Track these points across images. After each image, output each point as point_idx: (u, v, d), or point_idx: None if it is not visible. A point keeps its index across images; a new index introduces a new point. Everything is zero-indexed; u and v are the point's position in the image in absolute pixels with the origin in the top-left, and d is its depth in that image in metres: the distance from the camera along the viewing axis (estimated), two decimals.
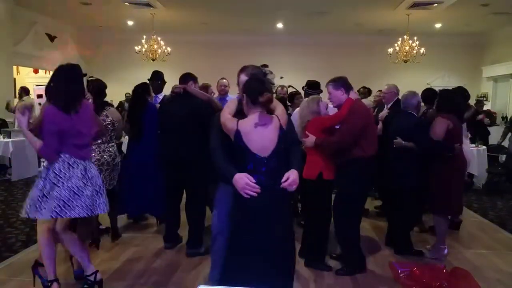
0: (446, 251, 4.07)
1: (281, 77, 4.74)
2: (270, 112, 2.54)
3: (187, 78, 4.03)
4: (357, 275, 3.65)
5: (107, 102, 4.13)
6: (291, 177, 2.41)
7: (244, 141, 2.39)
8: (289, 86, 4.46)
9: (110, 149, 4.00)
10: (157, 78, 5.23)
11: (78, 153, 2.87)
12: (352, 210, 3.66)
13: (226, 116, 2.50)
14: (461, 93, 4.76)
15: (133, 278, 3.54)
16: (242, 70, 2.73)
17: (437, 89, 5.27)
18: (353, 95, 3.66)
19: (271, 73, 2.70)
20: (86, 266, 3.09)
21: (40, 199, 2.78)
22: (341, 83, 3.66)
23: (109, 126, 3.95)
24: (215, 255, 2.95)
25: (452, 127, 3.86)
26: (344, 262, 3.77)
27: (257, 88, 2.44)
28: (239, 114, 2.54)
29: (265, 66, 2.69)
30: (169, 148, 3.99)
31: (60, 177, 2.79)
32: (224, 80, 5.56)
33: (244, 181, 2.35)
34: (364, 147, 3.55)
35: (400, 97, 4.62)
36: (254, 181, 2.36)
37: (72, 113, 2.82)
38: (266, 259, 2.41)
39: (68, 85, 2.84)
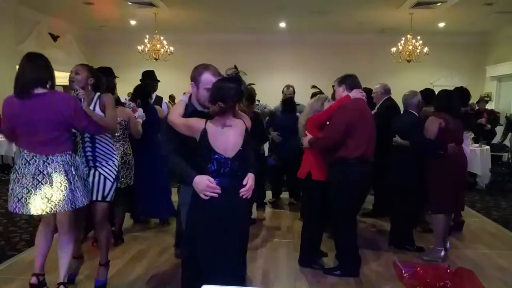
0: (442, 253, 3.99)
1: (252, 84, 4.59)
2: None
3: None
4: (359, 274, 3.65)
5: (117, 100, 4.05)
6: (248, 183, 2.42)
7: (210, 141, 2.36)
8: (313, 87, 4.49)
9: (120, 148, 4.01)
10: (149, 78, 5.18)
11: (36, 149, 2.76)
12: (341, 211, 3.59)
13: (180, 119, 2.46)
14: (458, 93, 4.75)
15: (137, 277, 3.54)
16: (207, 68, 2.58)
17: (440, 88, 5.28)
18: (356, 93, 3.61)
19: (245, 74, 2.55)
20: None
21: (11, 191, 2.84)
22: (345, 80, 3.67)
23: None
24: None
25: (444, 125, 3.84)
26: (338, 262, 3.76)
27: (213, 96, 2.37)
28: (194, 114, 2.50)
29: (235, 68, 2.57)
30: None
31: (18, 174, 2.79)
32: None
33: (204, 183, 2.33)
34: (351, 147, 3.47)
35: (392, 96, 4.91)
36: (215, 182, 2.34)
37: (24, 99, 2.72)
38: (219, 259, 2.39)
39: (22, 71, 2.80)
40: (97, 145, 3.15)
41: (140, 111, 4.34)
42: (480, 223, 5.37)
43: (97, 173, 3.13)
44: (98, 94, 3.21)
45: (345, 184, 3.51)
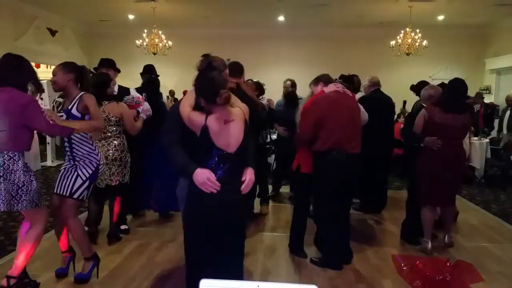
0: (428, 245, 3.99)
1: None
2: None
3: (240, 69, 3.74)
4: (358, 268, 3.68)
5: (107, 96, 3.94)
6: (247, 178, 2.38)
7: (212, 137, 2.28)
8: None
9: (111, 143, 3.95)
10: (150, 72, 5.17)
11: None
12: (321, 202, 3.65)
13: (189, 110, 2.35)
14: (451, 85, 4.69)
15: (136, 272, 3.55)
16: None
17: (439, 81, 5.28)
18: (330, 87, 3.65)
19: (216, 59, 2.49)
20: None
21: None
22: (320, 78, 3.77)
23: (105, 121, 3.79)
24: None
25: (428, 118, 3.85)
26: (320, 253, 3.83)
27: (211, 88, 2.28)
28: (199, 107, 2.39)
29: (206, 56, 2.44)
30: None
31: None
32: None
33: (205, 175, 2.27)
34: (322, 139, 3.52)
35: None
36: (215, 177, 2.29)
37: None
38: (219, 256, 2.38)
39: None
40: (73, 145, 3.16)
41: (145, 105, 4.25)
42: (480, 216, 5.38)
43: (73, 169, 3.17)
44: (80, 94, 3.15)
45: (320, 175, 3.58)
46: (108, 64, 4.38)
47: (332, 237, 3.67)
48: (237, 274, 2.51)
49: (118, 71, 4.46)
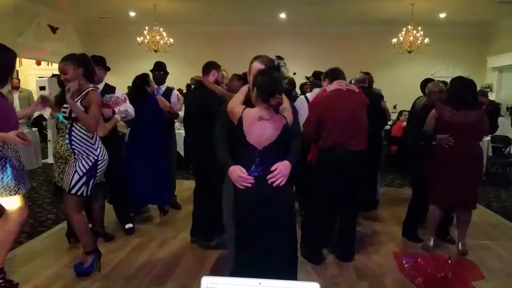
0: (430, 243, 3.98)
1: (294, 74, 4.79)
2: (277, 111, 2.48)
3: (209, 67, 3.96)
4: (360, 265, 3.68)
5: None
6: (278, 168, 2.37)
7: (244, 129, 2.38)
8: (306, 78, 4.55)
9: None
10: (160, 69, 5.19)
11: None
12: (312, 199, 3.69)
13: (235, 103, 2.49)
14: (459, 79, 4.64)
15: (137, 269, 3.55)
16: (256, 58, 2.65)
17: (441, 80, 5.26)
18: (333, 86, 3.65)
19: (285, 65, 2.60)
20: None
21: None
22: (327, 74, 3.80)
23: None
24: (229, 244, 2.94)
25: (438, 117, 3.82)
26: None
27: (269, 89, 2.39)
28: (249, 102, 2.52)
29: (280, 58, 2.60)
30: (185, 138, 4.19)
31: None
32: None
33: (236, 173, 2.37)
34: (324, 137, 3.55)
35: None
36: (246, 173, 2.36)
37: None
38: (267, 248, 2.40)
39: None
40: (73, 138, 3.14)
41: (123, 106, 4.05)
42: (481, 214, 5.37)
43: (73, 164, 3.16)
44: (88, 89, 3.15)
45: (320, 171, 3.63)
46: (95, 61, 4.17)
47: (318, 233, 3.69)
48: (290, 272, 2.50)
49: (108, 69, 4.39)
